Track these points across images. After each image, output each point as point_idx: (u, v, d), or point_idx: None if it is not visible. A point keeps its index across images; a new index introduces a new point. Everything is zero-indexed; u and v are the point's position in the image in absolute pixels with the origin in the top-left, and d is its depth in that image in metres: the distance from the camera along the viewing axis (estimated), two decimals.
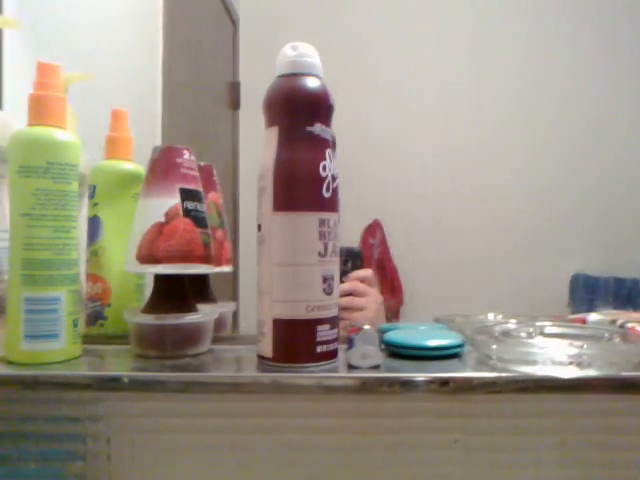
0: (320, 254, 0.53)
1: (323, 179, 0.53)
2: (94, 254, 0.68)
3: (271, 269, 0.53)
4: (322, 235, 0.53)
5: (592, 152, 2.16)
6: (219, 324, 0.66)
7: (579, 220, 2.16)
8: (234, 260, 0.73)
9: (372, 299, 1.01)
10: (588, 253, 2.17)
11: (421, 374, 0.50)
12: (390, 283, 2.20)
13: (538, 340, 0.56)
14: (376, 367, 0.52)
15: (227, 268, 0.68)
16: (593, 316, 0.66)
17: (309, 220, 0.52)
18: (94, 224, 0.68)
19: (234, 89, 2.22)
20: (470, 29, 2.18)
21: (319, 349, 0.53)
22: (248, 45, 2.18)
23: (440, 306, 0.93)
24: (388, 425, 0.53)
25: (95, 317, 0.67)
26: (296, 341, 0.52)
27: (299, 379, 0.49)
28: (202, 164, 0.68)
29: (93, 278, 0.68)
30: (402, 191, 2.13)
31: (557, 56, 2.17)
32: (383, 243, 2.17)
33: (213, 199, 0.67)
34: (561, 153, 2.16)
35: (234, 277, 1.79)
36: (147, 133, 1.35)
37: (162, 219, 0.56)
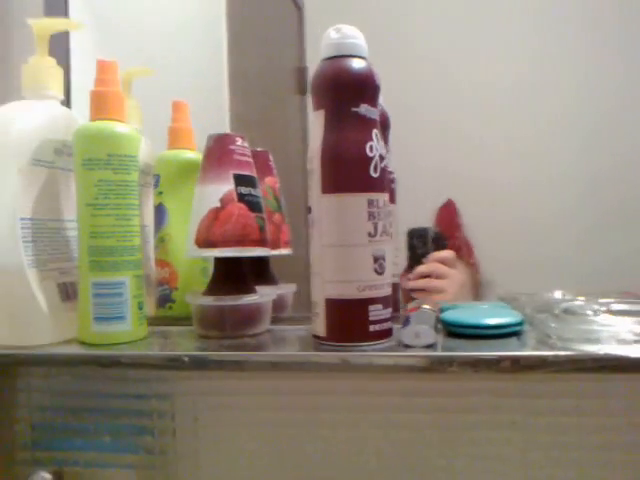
0: (370, 234, 0.53)
1: (370, 159, 0.53)
2: (161, 240, 0.71)
3: (322, 250, 0.53)
4: (371, 215, 0.53)
5: None
6: (279, 305, 0.68)
7: None
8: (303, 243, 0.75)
9: (453, 281, 0.98)
10: None
11: (473, 353, 0.49)
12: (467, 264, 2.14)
13: (602, 317, 0.53)
14: (430, 346, 0.52)
15: (286, 251, 0.69)
16: None
17: (357, 201, 0.52)
18: (160, 212, 0.72)
19: (301, 74, 2.23)
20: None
21: (372, 328, 0.53)
22: (314, 30, 2.18)
23: (518, 286, 0.91)
24: (442, 405, 0.52)
25: (164, 300, 0.71)
26: (348, 320, 0.53)
27: (353, 357, 0.50)
28: (258, 149, 0.70)
29: (161, 263, 0.72)
30: (476, 173, 2.07)
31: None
32: (457, 222, 2.12)
33: (270, 183, 0.69)
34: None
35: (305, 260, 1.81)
36: (216, 124, 1.40)
37: (217, 205, 0.58)
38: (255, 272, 0.68)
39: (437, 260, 0.98)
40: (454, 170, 2.08)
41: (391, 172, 0.69)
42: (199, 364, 0.51)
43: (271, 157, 0.70)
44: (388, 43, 1.92)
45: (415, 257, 1.06)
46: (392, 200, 0.69)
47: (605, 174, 2.02)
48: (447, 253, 1.02)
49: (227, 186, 0.58)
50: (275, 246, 0.67)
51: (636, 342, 0.47)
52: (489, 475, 0.52)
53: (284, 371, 0.52)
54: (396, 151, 0.70)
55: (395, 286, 0.69)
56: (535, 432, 0.51)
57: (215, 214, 0.57)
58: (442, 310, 0.61)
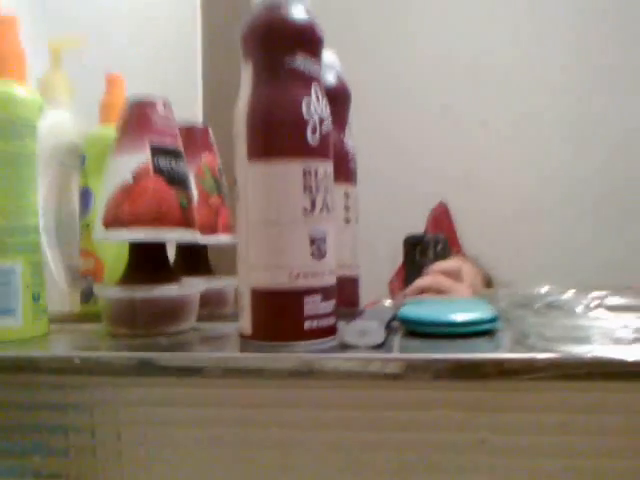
0: (305, 210, 0.43)
1: (306, 121, 0.43)
2: (85, 227, 0.62)
3: (247, 229, 0.44)
4: (307, 187, 0.43)
5: None
6: (219, 301, 0.59)
7: None
8: None
9: (458, 296, 0.82)
10: None
11: (427, 355, 0.39)
12: None
13: (593, 313, 0.43)
14: (377, 347, 0.42)
15: (225, 237, 0.59)
16: None
17: (290, 169, 0.43)
18: (85, 196, 0.63)
19: None
20: None
21: (308, 324, 0.43)
22: None
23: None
24: (392, 421, 0.42)
25: (89, 294, 0.62)
26: (279, 315, 0.43)
27: (269, 361, 0.40)
28: (196, 125, 0.61)
29: (85, 253, 0.63)
30: (467, 174, 1.96)
31: None
32: (450, 226, 2.01)
33: (207, 162, 0.59)
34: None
35: None
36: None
37: (129, 178, 0.48)
38: (188, 262, 0.58)
39: (440, 271, 0.83)
40: (445, 170, 1.98)
41: (350, 150, 0.60)
42: (91, 367, 0.42)
43: (211, 133, 0.61)
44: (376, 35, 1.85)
45: (413, 268, 0.93)
46: (352, 181, 0.59)
47: (601, 164, 1.91)
48: (452, 263, 0.85)
49: (142, 157, 0.49)
50: (211, 231, 0.57)
51: (635, 341, 0.37)
52: None
53: (192, 377, 0.42)
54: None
55: (354, 281, 0.59)
56: (508, 455, 0.41)
57: (126, 189, 0.48)
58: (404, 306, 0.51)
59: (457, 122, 1.96)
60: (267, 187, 0.43)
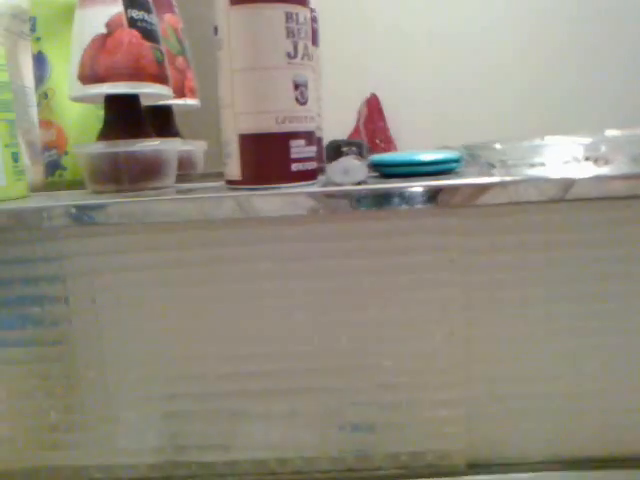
0: (289, 55, 0.45)
1: None
2: (43, 96, 0.60)
3: (233, 76, 0.45)
4: (290, 32, 0.45)
5: None
6: (188, 164, 0.60)
7: None
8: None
9: None
10: None
11: (407, 185, 0.44)
12: None
13: (549, 141, 0.48)
14: (360, 184, 0.46)
15: (192, 101, 0.60)
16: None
17: (272, 14, 0.44)
18: (39, 62, 0.60)
19: None
20: None
21: (294, 167, 0.46)
22: None
23: None
24: (373, 247, 0.47)
25: (53, 167, 0.61)
26: (267, 158, 0.46)
27: (267, 198, 0.43)
28: None
29: (46, 124, 0.61)
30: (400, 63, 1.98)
31: None
32: (382, 118, 2.04)
33: (170, 22, 0.58)
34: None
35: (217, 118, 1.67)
36: None
37: (103, 30, 0.47)
38: (156, 125, 0.59)
39: None
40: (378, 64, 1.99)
41: (313, 9, 0.61)
42: (75, 218, 0.43)
43: None
44: None
45: None
46: (315, 41, 0.61)
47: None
48: None
49: (114, 8, 0.48)
50: (179, 94, 0.58)
51: (587, 160, 0.42)
52: (428, 321, 0.48)
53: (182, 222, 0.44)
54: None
55: (321, 141, 0.62)
56: (476, 271, 0.47)
57: (101, 42, 0.47)
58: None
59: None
60: (251, 31, 0.44)
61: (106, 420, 0.54)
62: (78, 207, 0.44)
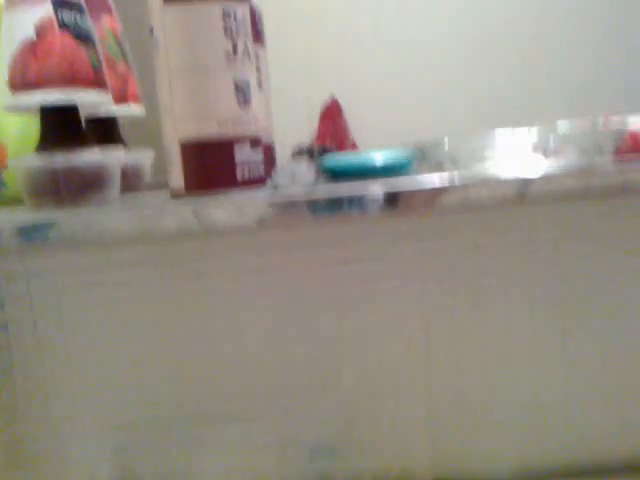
0: (228, 54, 0.43)
1: None
2: None
3: (170, 78, 0.43)
4: (228, 30, 0.43)
5: None
6: (134, 174, 0.58)
7: None
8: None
9: None
10: None
11: (350, 190, 0.42)
12: None
13: (499, 136, 0.48)
14: (310, 188, 0.44)
15: (136, 107, 0.57)
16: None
17: (208, 10, 0.42)
18: None
19: None
20: None
21: (240, 173, 0.44)
22: None
23: None
24: (326, 255, 0.45)
25: None
26: (210, 165, 0.44)
27: (211, 208, 0.41)
28: None
29: None
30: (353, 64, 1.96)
31: None
32: (343, 122, 2.02)
33: (109, 25, 0.56)
34: None
35: None
36: None
37: (32, 34, 0.45)
38: (99, 134, 0.56)
39: None
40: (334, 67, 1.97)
41: (257, 9, 0.59)
42: (18, 235, 0.40)
43: None
44: None
45: None
46: (260, 41, 0.59)
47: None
48: None
49: (43, 9, 0.45)
50: (121, 100, 0.55)
51: (535, 151, 0.41)
52: (384, 333, 0.46)
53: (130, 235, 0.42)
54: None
55: (270, 148, 0.60)
56: (431, 277, 0.46)
57: (31, 46, 0.45)
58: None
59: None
60: (187, 31, 0.42)
61: (52, 455, 0.52)
62: (17, 226, 0.41)
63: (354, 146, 2.19)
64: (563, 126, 0.43)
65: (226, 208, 0.41)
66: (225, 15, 0.42)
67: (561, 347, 0.46)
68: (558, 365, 0.46)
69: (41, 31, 0.45)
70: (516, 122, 0.55)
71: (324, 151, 0.97)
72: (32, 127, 0.57)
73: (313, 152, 0.96)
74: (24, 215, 0.44)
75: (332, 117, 2.12)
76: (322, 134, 2.02)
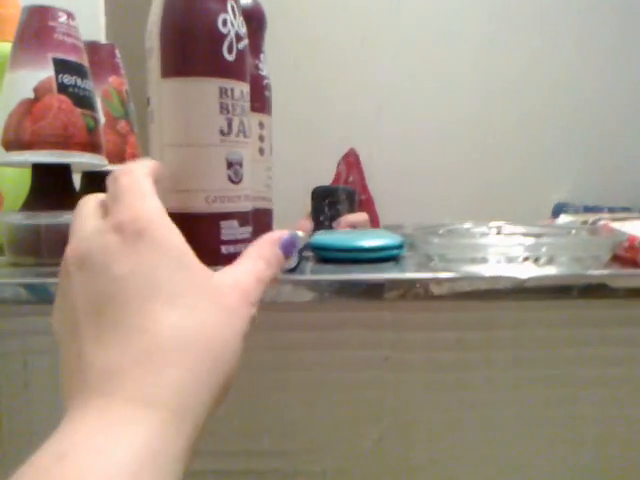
0: (222, 132, 0.42)
1: (223, 36, 0.42)
2: None
3: (162, 151, 0.43)
4: (224, 108, 0.42)
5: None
6: None
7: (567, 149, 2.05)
8: None
9: None
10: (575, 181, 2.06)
11: (339, 277, 0.41)
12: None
13: (490, 237, 0.47)
14: (291, 271, 0.43)
15: None
16: (563, 217, 0.57)
17: (205, 88, 0.42)
18: None
19: None
20: None
21: (225, 250, 0.43)
22: None
23: None
24: (300, 341, 0.44)
25: None
26: (195, 240, 0.43)
27: None
28: (101, 42, 0.57)
29: None
30: (375, 120, 1.99)
31: None
32: (360, 173, 2.04)
33: (114, 84, 0.56)
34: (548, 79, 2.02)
35: None
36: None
37: (30, 95, 0.45)
38: (91, 191, 0.56)
39: (348, 224, 0.83)
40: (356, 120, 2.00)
41: (265, 77, 0.59)
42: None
43: (118, 52, 0.58)
44: None
45: (322, 219, 0.92)
46: (267, 110, 0.59)
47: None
48: (360, 216, 0.85)
49: (44, 73, 0.45)
50: (119, 159, 0.55)
51: (526, 260, 0.40)
52: (356, 421, 0.44)
53: None
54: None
55: (268, 214, 0.60)
56: (410, 371, 0.44)
57: (27, 107, 0.45)
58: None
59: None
60: (182, 106, 0.42)
61: None
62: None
63: (368, 194, 2.18)
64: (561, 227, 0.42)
65: None
66: (222, 93, 0.42)
67: (549, 444, 0.44)
68: (543, 458, 0.44)
69: (39, 92, 0.45)
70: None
71: (348, 194, 0.96)
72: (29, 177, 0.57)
73: (337, 194, 0.94)
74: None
75: (351, 164, 2.14)
76: (341, 178, 2.02)
